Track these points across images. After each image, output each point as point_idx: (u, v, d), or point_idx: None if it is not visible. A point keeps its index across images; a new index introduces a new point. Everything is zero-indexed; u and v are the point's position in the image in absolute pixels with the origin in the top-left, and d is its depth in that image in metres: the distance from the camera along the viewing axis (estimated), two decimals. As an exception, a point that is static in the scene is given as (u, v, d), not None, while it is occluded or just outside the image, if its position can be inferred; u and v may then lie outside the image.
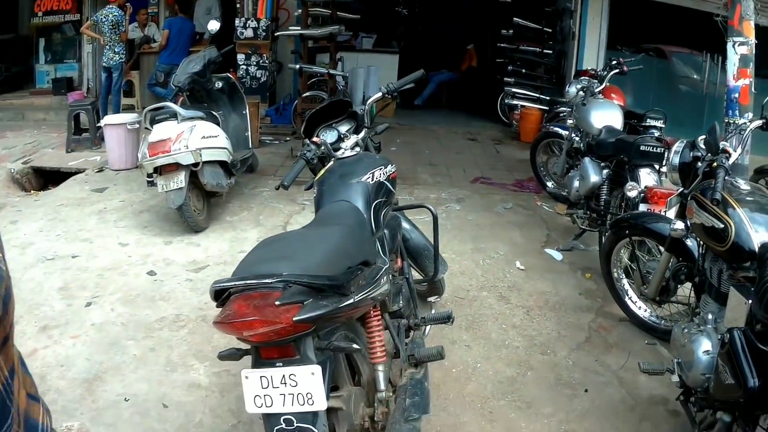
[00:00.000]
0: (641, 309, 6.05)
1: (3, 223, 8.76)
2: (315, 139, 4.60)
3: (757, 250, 3.82)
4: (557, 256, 7.57)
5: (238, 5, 14.24)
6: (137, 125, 11.13)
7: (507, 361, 5.41)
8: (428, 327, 4.81)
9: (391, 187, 4.52)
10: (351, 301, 3.15)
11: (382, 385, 3.55)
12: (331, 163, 4.51)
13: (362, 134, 4.81)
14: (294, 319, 2.83)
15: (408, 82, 5.33)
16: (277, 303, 2.86)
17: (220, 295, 3.11)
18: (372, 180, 4.27)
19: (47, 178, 11.35)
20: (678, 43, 13.79)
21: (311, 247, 3.41)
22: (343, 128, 4.87)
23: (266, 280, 2.97)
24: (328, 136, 4.76)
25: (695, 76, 13.91)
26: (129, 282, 6.99)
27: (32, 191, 10.75)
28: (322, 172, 4.49)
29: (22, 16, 18.23)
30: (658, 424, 4.70)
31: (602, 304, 6.44)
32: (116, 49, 13.61)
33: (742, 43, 7.22)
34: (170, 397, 5.03)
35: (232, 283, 3.04)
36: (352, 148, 4.67)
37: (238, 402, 4.91)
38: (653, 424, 4.71)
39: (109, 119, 11.49)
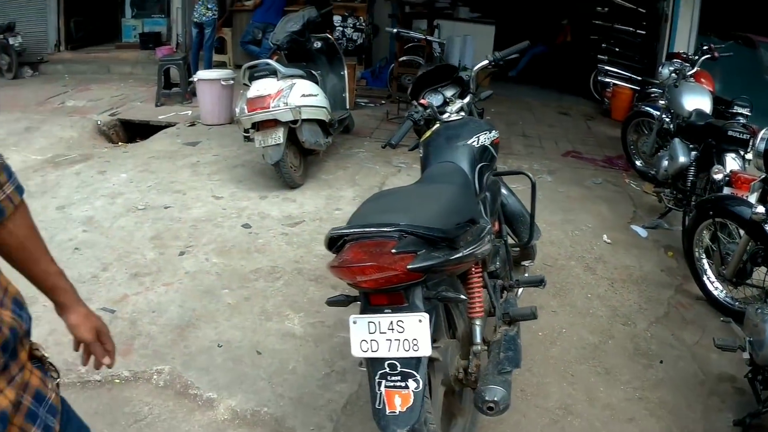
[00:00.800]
0: (718, 289, 6.05)
1: (91, 173, 8.97)
2: (422, 101, 4.67)
3: None
4: (642, 232, 7.56)
5: (335, -33, 14.23)
6: (231, 81, 11.25)
7: (590, 329, 5.48)
8: (520, 289, 4.88)
9: (494, 152, 4.59)
10: (460, 254, 3.24)
11: (478, 339, 3.65)
12: (437, 125, 4.60)
13: (467, 99, 4.88)
14: (408, 267, 2.93)
15: (513, 52, 5.35)
16: (393, 251, 2.96)
17: (335, 242, 3.22)
18: (477, 143, 4.35)
19: (135, 132, 11.56)
20: (767, 33, 13.57)
21: (424, 201, 3.52)
22: (449, 93, 4.96)
23: (384, 229, 3.08)
24: (434, 100, 4.84)
25: (784, 69, 13.66)
26: (223, 233, 7.12)
27: (119, 143, 10.98)
28: (428, 133, 4.58)
29: None
30: (724, 399, 4.74)
31: (682, 282, 6.44)
32: (209, 5, 13.64)
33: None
34: (264, 345, 5.15)
35: (350, 230, 3.15)
36: (457, 113, 4.74)
37: (332, 352, 5.06)
38: (720, 399, 4.75)
39: (202, 74, 11.54)
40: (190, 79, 12.28)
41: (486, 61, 5.19)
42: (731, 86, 12.11)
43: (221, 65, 15.16)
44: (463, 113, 4.78)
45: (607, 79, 13.77)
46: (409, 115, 4.51)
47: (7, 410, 1.76)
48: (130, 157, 9.53)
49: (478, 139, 4.39)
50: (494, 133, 4.62)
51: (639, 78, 13.10)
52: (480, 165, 4.29)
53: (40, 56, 17.16)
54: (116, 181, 8.53)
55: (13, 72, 16.33)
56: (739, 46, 12.97)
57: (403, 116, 11.27)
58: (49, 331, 5.20)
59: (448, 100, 4.89)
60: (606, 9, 14.56)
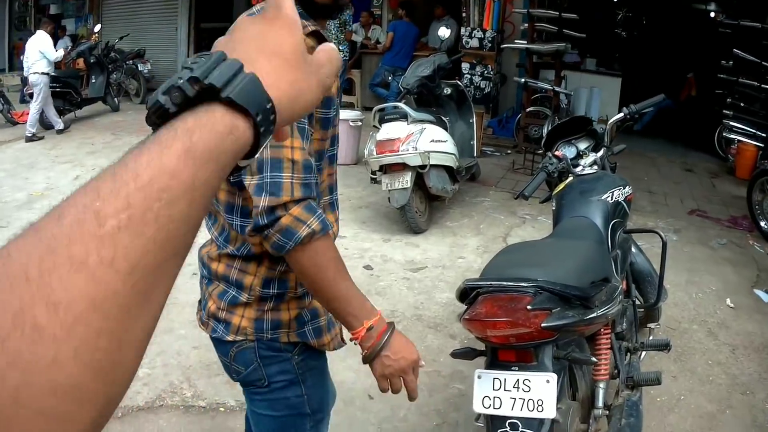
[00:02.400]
0: None
1: None
2: (557, 153, 4.66)
3: None
4: (766, 297, 7.39)
5: (464, 14, 14.32)
6: (359, 122, 11.38)
7: (709, 397, 5.35)
8: (644, 353, 4.81)
9: (627, 208, 4.55)
10: (594, 315, 3.21)
11: (600, 402, 3.60)
12: (571, 178, 4.58)
13: (601, 153, 4.85)
14: (542, 325, 2.91)
15: (648, 106, 5.31)
16: (528, 307, 2.94)
17: (467, 294, 3.21)
18: (611, 199, 4.32)
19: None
20: None
21: (559, 257, 3.51)
22: (582, 145, 4.94)
23: (521, 284, 3.05)
24: (568, 152, 4.82)
25: None
26: (345, 274, 7.17)
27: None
28: (561, 186, 4.57)
29: (238, 7, 18.90)
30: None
31: (804, 349, 6.29)
32: (340, 47, 13.82)
33: None
34: (376, 390, 5.15)
35: (486, 283, 3.13)
36: (591, 166, 4.72)
37: (446, 403, 5.04)
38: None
39: (331, 113, 11.67)
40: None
41: (621, 114, 5.15)
42: None
43: (349, 106, 15.35)
44: (596, 167, 4.76)
45: (732, 136, 13.55)
46: (544, 167, 4.51)
47: None
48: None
49: (612, 195, 4.35)
50: (628, 189, 4.59)
51: (764, 135, 12.88)
52: (614, 221, 4.26)
53: None
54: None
55: (141, 97, 16.88)
56: None
57: (529, 167, 11.32)
58: (157, 352, 5.34)
59: (581, 152, 4.87)
60: (731, 63, 14.31)
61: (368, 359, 2.34)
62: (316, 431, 2.67)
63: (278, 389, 2.50)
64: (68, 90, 15.47)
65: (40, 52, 14.38)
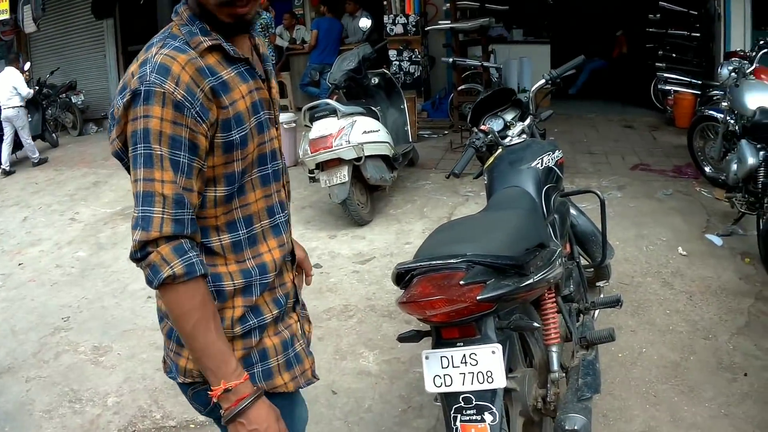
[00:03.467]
0: (802, 291, 5.92)
1: None
2: (483, 127, 4.66)
3: None
4: (717, 241, 7.43)
5: (384, 2, 14.25)
6: (293, 124, 11.36)
7: (671, 346, 5.38)
8: (596, 311, 4.81)
9: (559, 173, 4.54)
10: (531, 281, 3.20)
11: (555, 366, 3.63)
12: (500, 150, 4.56)
13: (528, 121, 4.83)
14: (478, 297, 2.90)
15: (569, 68, 5.32)
16: (461, 282, 2.94)
17: (402, 277, 3.22)
18: (541, 165, 4.32)
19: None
20: None
21: (491, 229, 3.50)
22: (508, 116, 4.92)
23: (450, 261, 3.05)
24: (495, 125, 4.80)
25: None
26: (296, 274, 7.15)
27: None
28: (491, 159, 4.55)
29: (164, 25, 18.77)
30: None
31: (761, 288, 6.30)
32: (269, 52, 13.82)
33: None
34: (339, 384, 5.18)
35: (416, 264, 3.14)
36: (519, 136, 4.71)
37: (408, 388, 5.05)
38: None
39: (265, 118, 11.63)
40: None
41: (543, 81, 5.16)
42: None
43: (282, 109, 15.28)
44: (524, 136, 4.74)
45: (668, 87, 13.65)
46: (471, 143, 4.49)
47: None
48: (198, 205, 9.61)
49: (542, 161, 4.35)
50: (558, 153, 4.58)
51: (699, 82, 12.98)
52: (546, 187, 4.25)
53: (104, 113, 17.64)
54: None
55: (78, 129, 16.78)
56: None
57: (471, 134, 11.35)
58: (123, 379, 5.30)
59: (508, 123, 4.84)
60: (658, 15, 14.41)
61: (225, 420, 2.23)
62: None
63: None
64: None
65: (14, 87, 14.62)
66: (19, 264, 8.86)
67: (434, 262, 3.09)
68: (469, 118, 5.09)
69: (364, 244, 7.91)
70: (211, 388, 2.20)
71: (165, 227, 2.09)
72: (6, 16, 17.49)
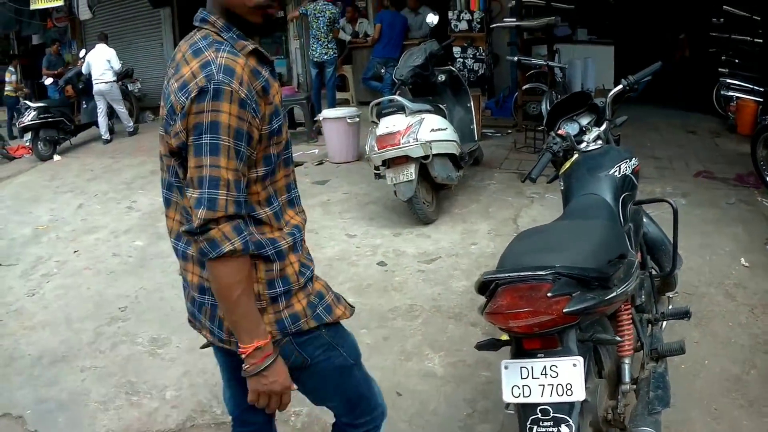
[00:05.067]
0: None
1: None
2: (560, 131, 4.64)
3: None
4: (779, 253, 7.38)
5: (450, -2, 14.27)
6: (357, 119, 11.37)
7: (732, 359, 5.32)
8: (665, 322, 4.79)
9: (635, 180, 4.51)
10: (614, 294, 3.20)
11: (627, 378, 3.62)
12: (576, 156, 4.54)
13: (604, 127, 4.80)
14: (564, 311, 2.92)
15: (647, 75, 5.29)
16: (548, 295, 2.94)
17: (487, 286, 3.18)
18: (619, 173, 4.29)
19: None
20: None
21: (575, 239, 3.48)
22: (584, 121, 4.89)
23: (539, 272, 3.04)
24: (571, 129, 4.78)
25: None
26: (359, 272, 7.18)
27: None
28: (567, 164, 4.53)
29: None
30: None
31: (822, 301, 6.25)
32: (330, 45, 13.92)
33: None
34: (404, 386, 5.16)
35: (504, 275, 3.11)
36: (595, 141, 4.68)
37: (474, 392, 5.02)
38: None
39: (327, 113, 11.72)
40: (315, 119, 12.44)
41: (621, 86, 5.11)
42: None
43: (344, 103, 15.36)
44: (600, 142, 4.71)
45: (730, 93, 13.53)
46: (548, 147, 4.50)
47: None
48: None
49: (620, 169, 4.32)
50: (634, 161, 4.55)
51: (762, 89, 12.85)
52: (623, 195, 4.23)
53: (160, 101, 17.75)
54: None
55: (135, 117, 16.96)
56: None
57: (531, 145, 11.29)
58: (182, 372, 5.34)
59: (584, 128, 4.82)
60: (722, 20, 14.27)
61: (248, 374, 2.64)
62: (362, 371, 3.20)
63: (322, 361, 2.90)
64: (61, 119, 15.61)
65: (108, 61, 15.73)
66: (75, 251, 8.93)
67: (521, 273, 3.07)
68: (545, 121, 5.08)
69: (429, 243, 7.89)
70: (242, 346, 2.60)
71: (229, 208, 2.45)
72: (60, 2, 17.67)
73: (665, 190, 9.32)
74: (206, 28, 2.59)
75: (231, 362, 3.02)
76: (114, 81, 15.84)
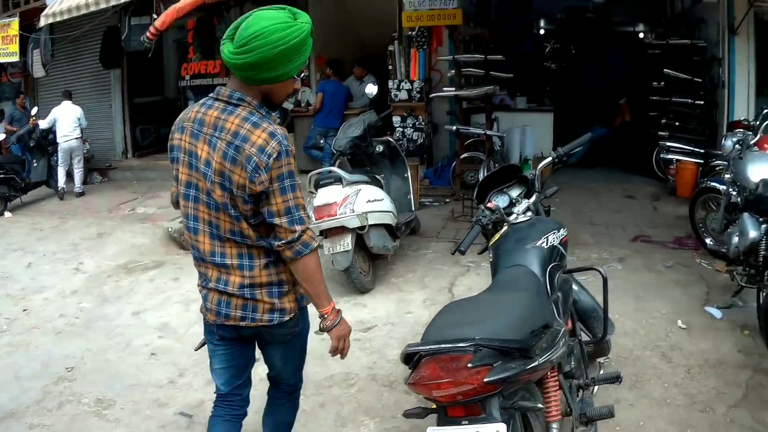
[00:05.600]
0: (799, 362, 5.93)
1: (164, 279, 9.35)
2: (490, 204, 4.74)
3: None
4: (717, 313, 7.45)
5: (390, 67, 14.39)
6: (296, 188, 11.39)
7: (668, 420, 5.39)
8: (596, 386, 4.85)
9: (563, 251, 4.61)
10: (536, 363, 3.30)
11: (556, 442, 3.66)
12: (505, 228, 4.63)
13: (533, 198, 4.92)
14: (485, 380, 3.02)
15: (576, 147, 5.38)
16: (469, 365, 3.06)
17: (411, 358, 3.31)
18: (546, 244, 4.41)
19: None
20: None
21: (498, 311, 3.58)
22: (514, 193, 5.01)
23: (459, 344, 3.16)
24: (501, 201, 4.89)
25: None
26: (298, 340, 7.17)
27: (191, 249, 11.25)
28: (496, 236, 4.63)
29: (169, 78, 19.35)
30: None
31: (760, 360, 6.32)
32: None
33: None
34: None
35: (426, 347, 3.24)
36: (524, 213, 4.79)
37: (407, 458, 5.05)
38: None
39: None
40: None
41: (549, 159, 5.23)
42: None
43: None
44: (530, 213, 4.83)
45: (670, 156, 13.70)
46: (477, 220, 4.61)
47: None
48: (202, 264, 9.64)
49: (547, 240, 4.44)
50: (562, 232, 4.66)
51: (702, 151, 13.04)
52: (551, 266, 4.32)
53: (109, 163, 18.31)
54: (189, 288, 8.71)
55: (83, 178, 16.86)
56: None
57: (468, 214, 11.36)
58: None
59: (514, 200, 4.93)
60: (662, 83, 14.48)
61: (328, 328, 3.90)
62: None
63: (302, 329, 4.11)
64: (12, 176, 15.47)
65: (78, 118, 16.24)
66: (24, 310, 8.89)
67: (443, 345, 3.19)
68: (475, 194, 5.17)
69: (365, 312, 7.92)
70: (321, 309, 3.87)
71: (307, 222, 3.69)
72: (15, 58, 17.72)
73: (602, 256, 9.44)
74: (244, 105, 3.61)
75: (235, 351, 4.15)
76: (80, 137, 16.16)
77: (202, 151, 3.62)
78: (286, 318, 3.88)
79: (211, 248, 3.79)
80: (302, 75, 16.79)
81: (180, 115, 3.87)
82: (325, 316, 3.84)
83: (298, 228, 3.58)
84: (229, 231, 3.71)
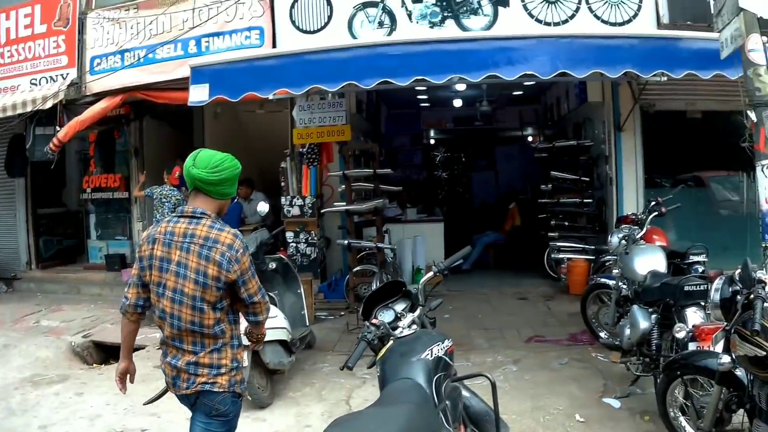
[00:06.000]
0: (700, 444, 6.06)
1: (69, 393, 9.14)
2: (374, 320, 4.87)
3: None
4: (615, 404, 7.61)
5: (282, 183, 14.47)
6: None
7: None
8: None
9: (449, 361, 4.72)
10: None
11: None
12: (391, 342, 4.75)
13: (417, 312, 5.07)
14: None
15: (457, 260, 5.62)
16: None
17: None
18: (431, 356, 4.50)
19: (108, 353, 11.56)
20: (714, 167, 14.03)
21: (383, 426, 3.63)
22: (399, 307, 5.14)
23: None
24: (386, 316, 5.02)
25: (735, 198, 14.10)
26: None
27: (94, 364, 11.13)
28: (383, 351, 4.72)
29: (70, 191, 19.07)
30: None
31: (662, 443, 6.47)
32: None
33: (771, 165, 7.07)
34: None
35: None
36: (410, 326, 4.92)
37: None
38: None
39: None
40: (154, 304, 12.38)
41: (431, 273, 5.41)
42: (687, 232, 12.47)
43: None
44: (415, 326, 4.95)
45: (561, 255, 13.99)
46: (362, 336, 4.71)
47: None
48: (106, 379, 9.52)
49: (432, 352, 4.53)
50: (447, 343, 4.77)
51: (592, 248, 13.37)
52: (436, 376, 4.41)
53: (13, 273, 17.85)
54: (94, 403, 8.66)
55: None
56: (690, 189, 13.33)
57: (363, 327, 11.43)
58: None
59: (399, 314, 5.06)
60: (550, 186, 14.84)
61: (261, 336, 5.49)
62: None
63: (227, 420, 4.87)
64: None
65: None
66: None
67: None
68: (360, 311, 5.28)
69: (265, 427, 7.89)
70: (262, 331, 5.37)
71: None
72: None
73: (497, 360, 9.53)
74: (206, 217, 4.68)
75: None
76: None
77: (175, 255, 4.64)
78: (216, 389, 4.65)
79: (171, 334, 4.70)
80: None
81: (148, 230, 4.91)
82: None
83: (266, 298, 4.94)
84: (189, 321, 4.62)
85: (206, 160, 4.69)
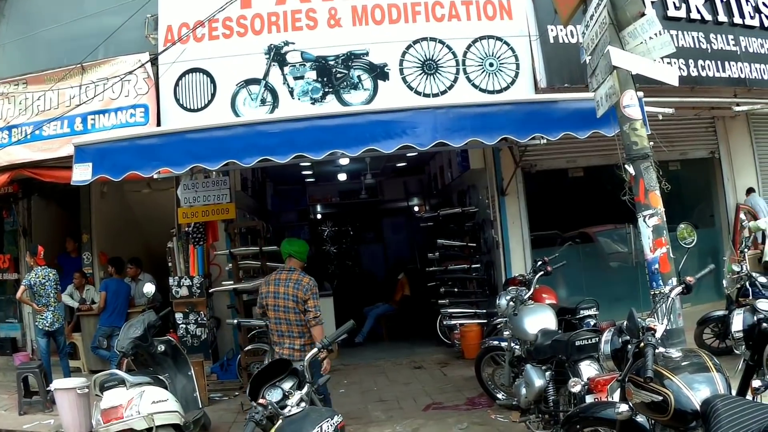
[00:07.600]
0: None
1: None
2: (261, 400, 4.83)
3: (699, 408, 4.07)
4: (520, 464, 7.66)
5: (169, 264, 14.37)
6: (86, 389, 11.10)
7: None
8: None
9: (341, 436, 4.73)
10: None
11: None
12: (280, 421, 4.73)
13: (305, 389, 5.06)
14: None
15: (341, 334, 5.68)
16: None
17: None
18: (321, 432, 4.48)
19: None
20: (599, 221, 14.50)
21: None
22: (287, 385, 5.13)
23: None
24: (273, 395, 5.00)
25: (623, 249, 14.53)
26: None
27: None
28: (272, 431, 4.68)
29: None
30: None
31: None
32: (59, 312, 13.53)
33: (652, 215, 7.39)
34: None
35: None
36: (298, 404, 4.90)
37: None
38: None
39: (59, 383, 11.27)
40: (48, 388, 12.08)
41: (316, 349, 5.45)
42: (578, 286, 12.71)
43: (76, 371, 14.90)
44: (304, 404, 4.94)
45: (453, 321, 14.06)
46: (250, 417, 4.69)
47: None
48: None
49: (322, 429, 4.56)
50: (337, 419, 4.79)
51: (484, 311, 13.48)
52: (329, 453, 4.40)
53: None
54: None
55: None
56: (577, 245, 13.59)
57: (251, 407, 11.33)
58: None
59: (287, 393, 5.04)
60: (437, 254, 14.95)
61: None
62: None
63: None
64: None
65: None
66: None
67: None
68: (248, 391, 5.25)
69: None
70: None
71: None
72: None
73: (395, 430, 9.54)
74: (296, 271, 8.30)
75: None
76: None
77: (280, 288, 8.15)
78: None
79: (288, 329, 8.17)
80: (88, 273, 16.51)
81: (266, 277, 8.75)
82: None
83: (320, 312, 8.19)
84: (295, 322, 8.08)
85: (295, 242, 8.72)
